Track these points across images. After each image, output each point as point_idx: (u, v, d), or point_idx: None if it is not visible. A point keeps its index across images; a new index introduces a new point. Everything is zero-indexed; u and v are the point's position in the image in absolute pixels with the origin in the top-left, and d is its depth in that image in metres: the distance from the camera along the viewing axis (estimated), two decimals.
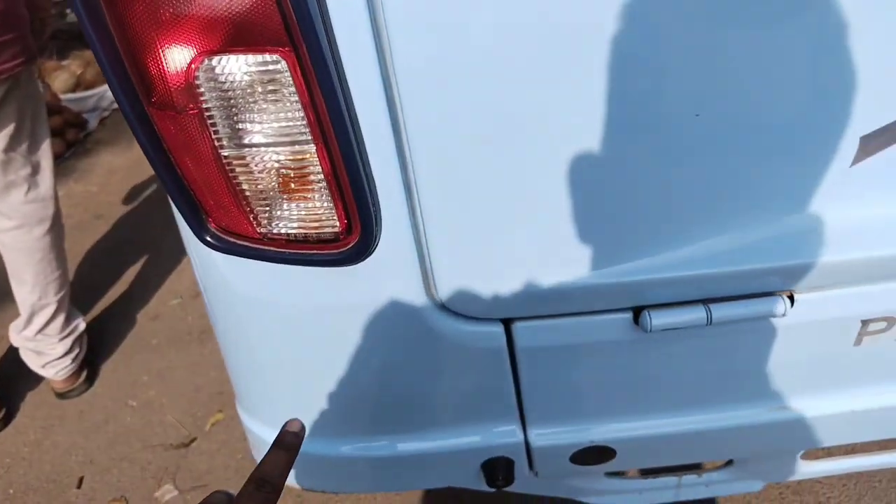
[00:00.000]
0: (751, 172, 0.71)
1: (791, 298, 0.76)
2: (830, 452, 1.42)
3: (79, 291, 2.26)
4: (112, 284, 2.45)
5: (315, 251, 0.70)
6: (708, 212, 0.72)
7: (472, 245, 0.71)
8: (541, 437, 0.88)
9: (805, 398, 0.88)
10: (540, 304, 0.75)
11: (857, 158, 0.71)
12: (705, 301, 0.75)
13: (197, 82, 0.59)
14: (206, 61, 0.58)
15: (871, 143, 0.70)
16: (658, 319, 0.74)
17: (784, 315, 0.74)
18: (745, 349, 0.80)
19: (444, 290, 0.74)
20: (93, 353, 2.10)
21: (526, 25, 0.57)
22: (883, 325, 0.80)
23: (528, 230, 0.70)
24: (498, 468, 0.90)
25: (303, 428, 0.57)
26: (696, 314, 0.74)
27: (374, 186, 0.65)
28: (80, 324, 1.97)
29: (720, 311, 0.74)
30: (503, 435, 0.89)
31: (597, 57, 0.59)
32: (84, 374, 2.01)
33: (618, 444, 0.89)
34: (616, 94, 0.62)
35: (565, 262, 0.73)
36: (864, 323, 0.79)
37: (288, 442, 0.54)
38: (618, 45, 0.59)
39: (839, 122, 0.69)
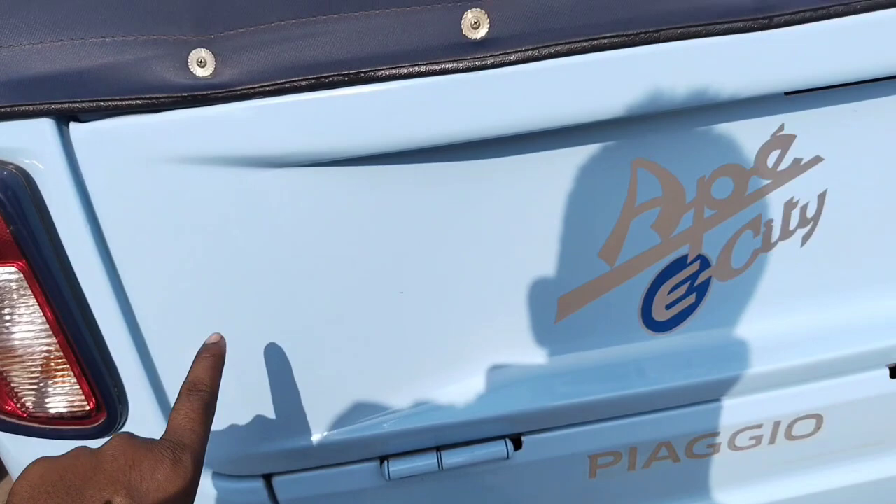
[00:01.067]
0: (471, 335, 0.83)
1: (517, 441, 0.86)
2: None
3: None
4: None
5: (72, 426, 0.78)
6: (432, 369, 0.83)
7: (221, 410, 0.80)
8: None
9: None
10: (295, 459, 0.84)
11: (560, 316, 0.84)
12: (438, 448, 0.84)
13: None
14: None
15: (569, 303, 0.83)
16: (396, 467, 0.83)
17: (508, 458, 0.84)
18: (483, 489, 0.89)
19: None
20: None
21: (234, 223, 0.69)
22: (610, 458, 0.90)
23: (273, 394, 0.79)
24: None
25: (222, 337, 0.58)
26: (429, 461, 0.83)
27: (115, 369, 0.74)
28: None
29: (450, 458, 0.83)
30: None
31: (307, 255, 0.72)
32: None
33: None
34: (332, 283, 0.74)
35: (314, 420, 0.82)
36: (593, 458, 0.89)
37: (211, 347, 0.56)
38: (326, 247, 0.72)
39: (541, 287, 0.82)
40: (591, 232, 0.79)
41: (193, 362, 0.56)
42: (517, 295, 0.81)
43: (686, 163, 0.77)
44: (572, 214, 0.78)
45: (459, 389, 0.83)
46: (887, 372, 0.92)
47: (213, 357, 0.57)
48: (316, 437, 0.82)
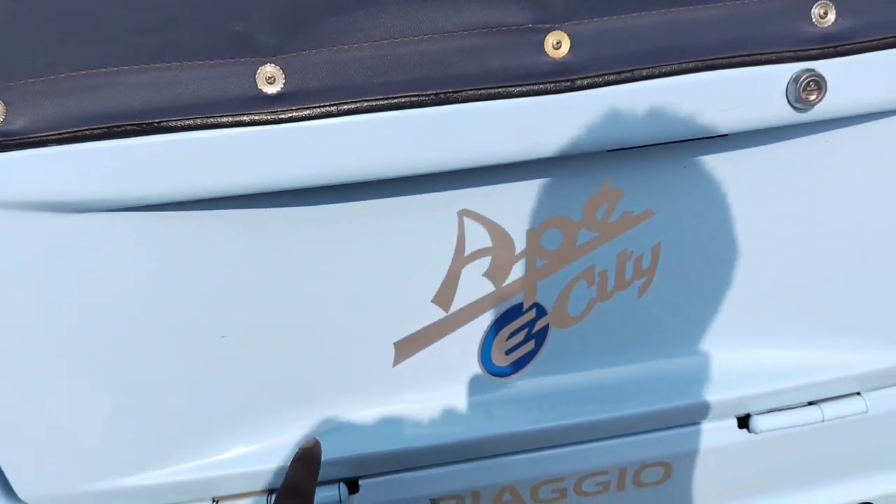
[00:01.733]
0: (305, 378, 0.83)
1: (352, 484, 0.86)
2: None
3: None
4: None
5: None
6: (264, 413, 0.83)
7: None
8: None
9: None
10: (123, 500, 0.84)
11: (397, 359, 0.84)
12: (270, 492, 0.84)
13: None
14: None
15: (405, 348, 0.84)
16: None
17: (341, 502, 0.84)
18: None
19: None
20: None
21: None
22: (453, 502, 0.90)
23: (90, 436, 0.79)
24: None
25: (318, 441, 0.58)
26: None
27: None
28: None
29: None
30: None
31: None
32: None
33: None
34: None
35: (137, 461, 0.82)
36: (434, 502, 0.89)
37: (307, 451, 0.56)
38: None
39: (377, 332, 0.82)
40: (423, 278, 0.80)
41: (290, 466, 0.56)
42: (352, 339, 0.82)
43: (513, 214, 0.78)
44: (404, 261, 0.78)
45: (293, 433, 0.84)
46: (735, 422, 0.93)
47: (309, 461, 0.57)
48: (140, 478, 0.82)
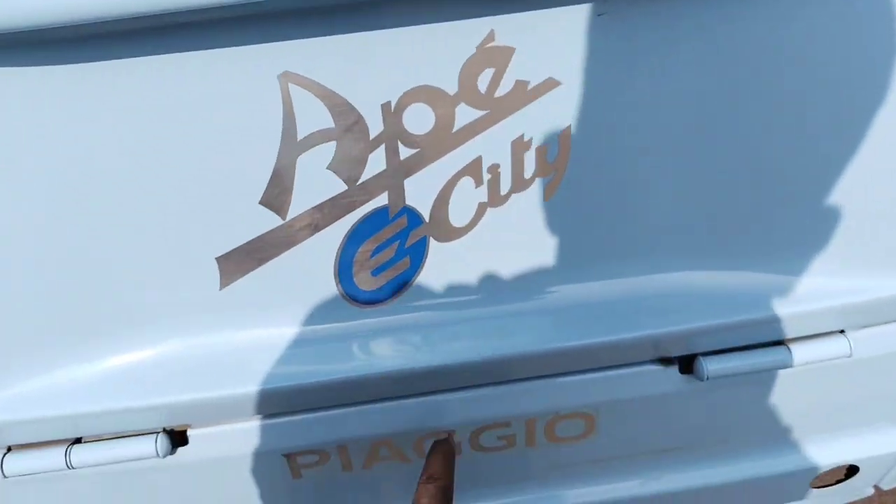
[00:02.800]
0: (109, 302, 0.64)
1: (180, 435, 0.69)
2: None
3: None
4: None
5: None
6: (60, 343, 0.65)
7: None
8: None
9: None
10: None
11: (224, 281, 0.65)
12: (75, 441, 0.67)
13: None
14: None
15: (233, 265, 0.64)
16: (12, 464, 0.66)
17: (163, 456, 0.67)
18: (144, 498, 0.73)
19: None
20: None
21: None
22: (314, 457, 0.73)
23: None
24: None
25: (451, 434, 0.67)
26: (54, 459, 0.66)
27: None
28: None
29: (81, 455, 0.66)
30: None
31: None
32: None
33: None
34: None
35: None
36: (290, 457, 0.72)
37: (442, 443, 0.62)
38: None
39: (192, 244, 0.62)
40: (245, 172, 0.59)
41: (427, 458, 0.61)
42: (161, 252, 0.62)
43: (360, 82, 0.56)
44: (215, 146, 0.58)
45: (99, 371, 0.66)
46: (676, 366, 0.73)
47: (445, 452, 0.61)
48: None
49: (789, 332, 0.71)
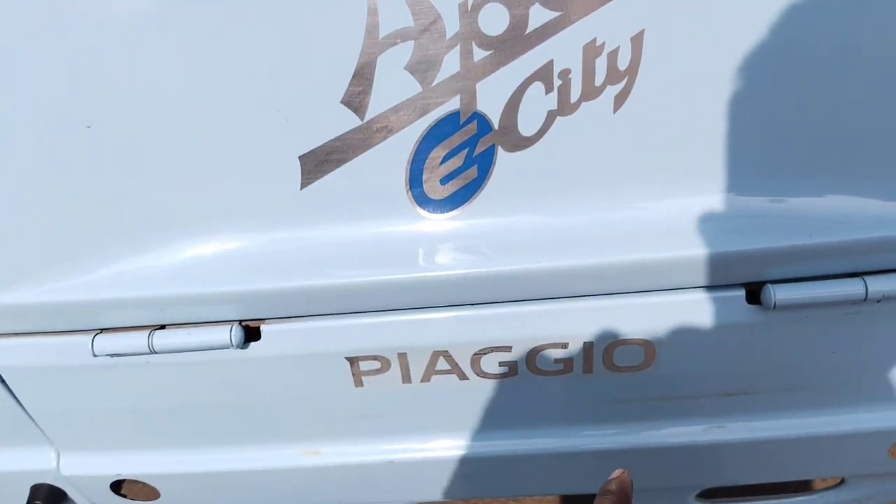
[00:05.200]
0: (194, 197, 0.69)
1: (254, 331, 0.73)
2: None
3: None
4: None
5: None
6: (147, 234, 0.70)
7: None
8: (71, 465, 0.85)
9: (329, 444, 0.83)
10: None
11: (306, 181, 0.69)
12: (160, 327, 0.72)
13: None
14: None
15: (314, 165, 0.68)
16: (102, 343, 0.71)
17: (239, 347, 0.71)
18: (214, 389, 0.76)
19: None
20: None
21: None
22: (376, 364, 0.75)
23: None
24: (39, 495, 0.87)
25: (625, 472, 0.52)
26: (138, 341, 0.71)
27: None
28: None
29: (164, 340, 0.71)
30: (37, 461, 0.86)
31: None
32: None
33: (152, 479, 0.85)
34: None
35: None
36: (353, 361, 0.75)
37: (617, 485, 0.51)
38: None
39: (276, 142, 0.66)
40: (327, 70, 0.63)
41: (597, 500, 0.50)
42: (250, 148, 0.66)
43: None
44: (301, 40, 0.61)
45: (184, 259, 0.70)
46: (743, 293, 0.71)
47: (619, 495, 0.50)
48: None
49: (864, 264, 0.68)
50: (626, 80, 0.63)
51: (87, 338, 0.73)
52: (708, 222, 0.68)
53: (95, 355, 0.71)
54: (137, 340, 0.71)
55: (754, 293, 0.70)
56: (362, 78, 0.63)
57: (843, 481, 0.99)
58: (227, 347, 0.70)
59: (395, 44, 0.62)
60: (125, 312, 0.71)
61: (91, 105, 0.63)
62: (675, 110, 0.64)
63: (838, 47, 0.60)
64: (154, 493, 0.88)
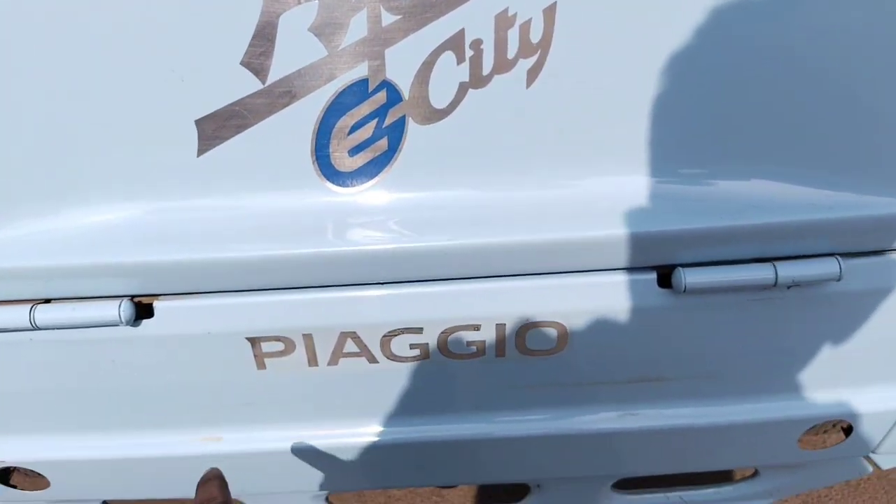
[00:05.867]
0: (86, 159, 0.64)
1: (147, 307, 0.68)
2: None
3: None
4: None
5: None
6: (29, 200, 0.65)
7: None
8: None
9: (231, 430, 0.80)
10: None
11: (203, 147, 0.65)
12: (44, 301, 0.67)
13: None
14: None
15: (211, 130, 0.64)
16: None
17: (128, 324, 0.66)
18: (104, 370, 0.72)
19: None
20: None
21: None
22: (279, 346, 0.71)
23: None
24: None
25: (217, 470, 0.57)
26: (19, 314, 0.66)
27: None
28: None
29: (46, 314, 0.66)
30: None
31: None
32: None
33: (40, 466, 0.79)
34: None
35: None
36: (254, 341, 0.71)
37: (210, 472, 0.56)
38: None
39: (170, 105, 0.62)
40: (226, 28, 0.60)
41: (197, 490, 0.55)
42: (139, 111, 0.62)
43: None
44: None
45: (71, 227, 0.65)
46: (654, 276, 0.71)
47: (216, 478, 0.56)
48: None
49: (776, 250, 0.69)
50: (538, 53, 0.61)
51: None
52: (621, 203, 0.67)
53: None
54: (18, 314, 0.66)
55: (666, 277, 0.70)
56: (263, 38, 0.60)
57: (756, 473, 1.00)
58: (117, 324, 0.66)
59: (298, 3, 0.59)
60: (5, 283, 0.66)
61: None
62: (589, 87, 0.63)
63: (767, 32, 0.60)
64: (43, 483, 0.82)
